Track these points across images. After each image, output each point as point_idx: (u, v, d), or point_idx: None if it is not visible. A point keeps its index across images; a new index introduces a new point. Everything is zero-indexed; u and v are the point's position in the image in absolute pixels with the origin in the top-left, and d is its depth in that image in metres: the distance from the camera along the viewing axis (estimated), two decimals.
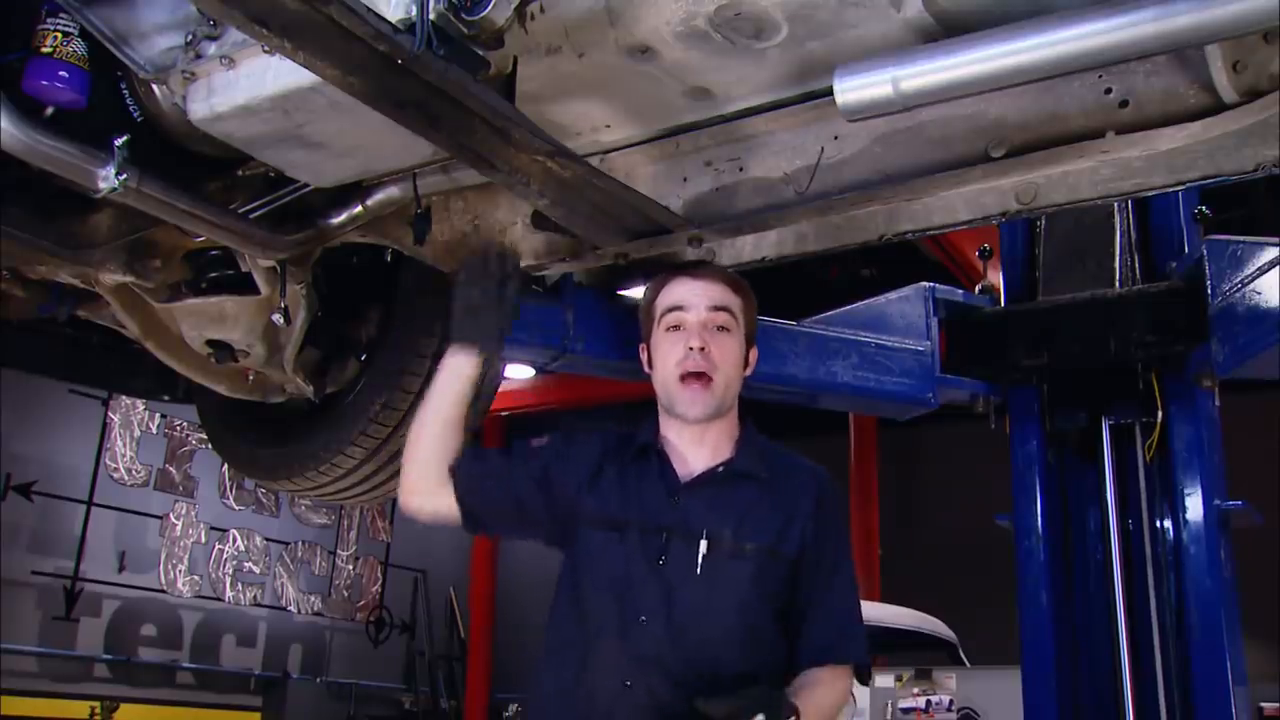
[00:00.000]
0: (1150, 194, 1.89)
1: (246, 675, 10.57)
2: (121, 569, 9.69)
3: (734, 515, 1.84)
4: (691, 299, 1.92)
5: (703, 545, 1.79)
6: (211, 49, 1.97)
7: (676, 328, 1.91)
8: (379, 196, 2.45)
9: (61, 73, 2.03)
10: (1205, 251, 2.76)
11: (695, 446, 1.91)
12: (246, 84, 1.95)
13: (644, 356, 2.01)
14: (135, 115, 2.28)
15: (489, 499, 1.97)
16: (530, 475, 1.95)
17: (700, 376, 1.87)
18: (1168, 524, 2.88)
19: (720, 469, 1.89)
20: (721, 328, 1.91)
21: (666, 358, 1.91)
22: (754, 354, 2.00)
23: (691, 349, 1.87)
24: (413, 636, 11.98)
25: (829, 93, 1.63)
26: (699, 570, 1.78)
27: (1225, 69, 1.65)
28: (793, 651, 1.84)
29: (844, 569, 1.91)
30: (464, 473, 1.96)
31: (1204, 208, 3.04)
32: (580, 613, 1.83)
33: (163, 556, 9.93)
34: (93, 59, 2.06)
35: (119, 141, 2.14)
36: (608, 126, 2.12)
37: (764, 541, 1.82)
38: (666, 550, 1.80)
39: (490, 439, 11.75)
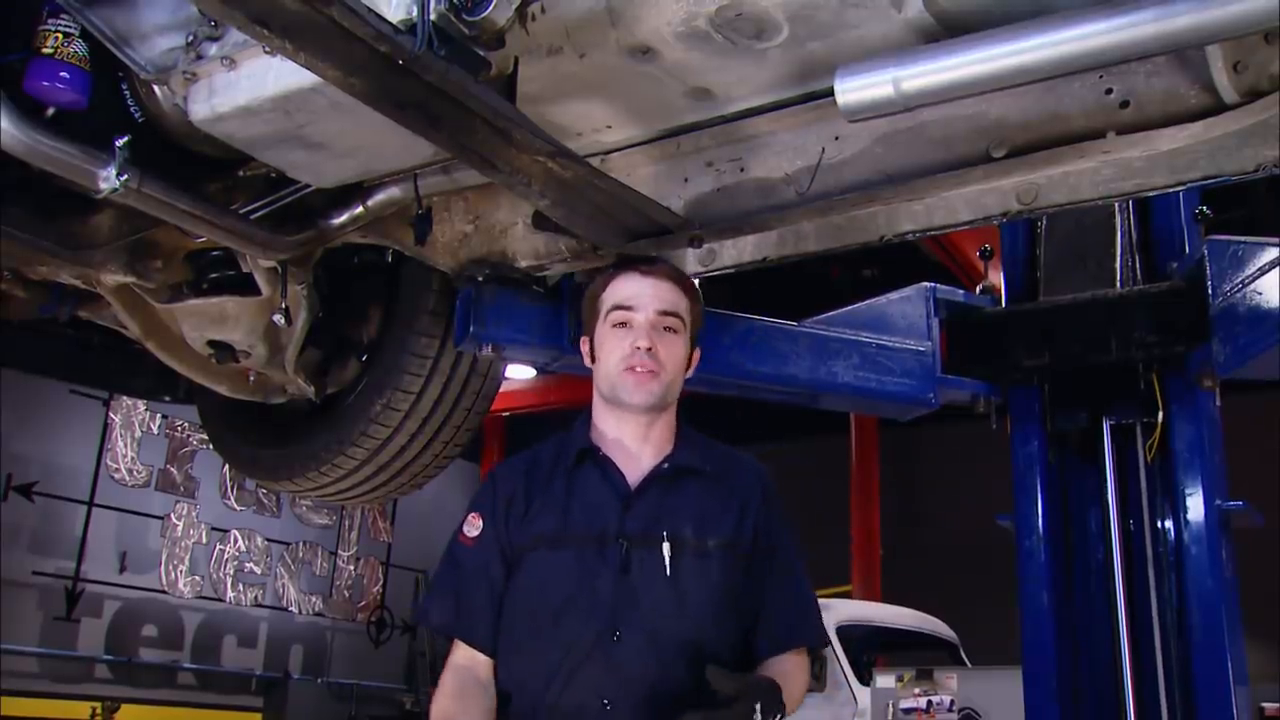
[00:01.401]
0: (1151, 194, 1.89)
1: (247, 676, 10.58)
2: (122, 569, 9.70)
3: (689, 514, 1.81)
4: (641, 299, 1.85)
5: (666, 548, 1.76)
6: (213, 50, 1.97)
7: (623, 324, 1.85)
8: (380, 197, 2.45)
9: (62, 73, 2.03)
10: (1206, 252, 2.76)
11: (639, 443, 1.87)
12: (248, 85, 1.95)
13: (585, 349, 1.94)
14: (136, 116, 2.29)
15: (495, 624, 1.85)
16: (497, 569, 1.84)
17: (647, 372, 1.83)
18: (1168, 524, 2.88)
19: (665, 465, 1.85)
20: (668, 329, 1.86)
21: (612, 353, 1.85)
22: (696, 355, 1.94)
23: (639, 348, 1.82)
24: (414, 637, 11.97)
25: (830, 93, 1.63)
26: (668, 573, 1.75)
27: (1226, 69, 1.65)
28: (754, 640, 1.82)
29: (796, 558, 1.90)
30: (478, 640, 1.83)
31: (1205, 208, 3.03)
32: (544, 638, 1.76)
33: (164, 557, 9.94)
34: (94, 59, 2.07)
35: (120, 142, 2.14)
36: (609, 127, 2.12)
37: (723, 537, 1.81)
38: (628, 560, 1.76)
39: (490, 438, 11.78)
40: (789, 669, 1.81)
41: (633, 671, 1.70)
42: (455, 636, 1.85)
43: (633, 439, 1.87)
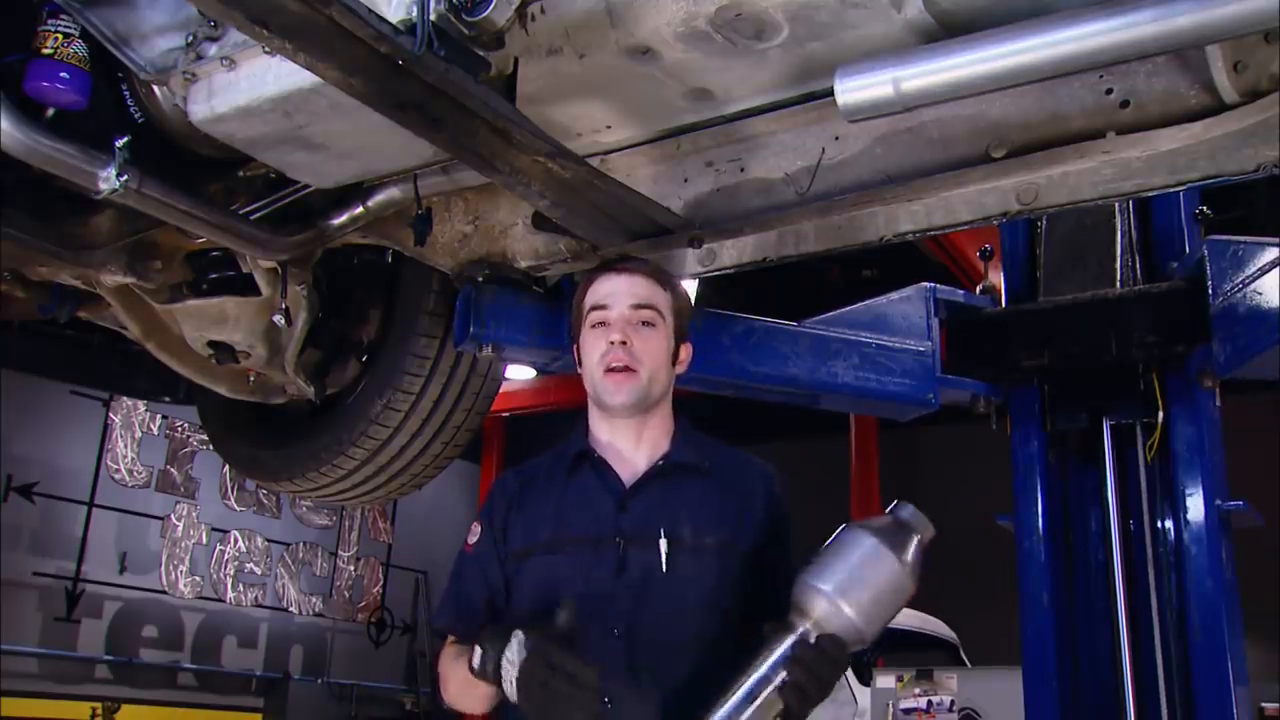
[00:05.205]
0: (1151, 194, 1.89)
1: (248, 676, 10.56)
2: (123, 570, 9.69)
3: (686, 511, 1.82)
4: (614, 296, 1.89)
5: (663, 545, 1.77)
6: (212, 50, 1.97)
7: (601, 324, 1.88)
8: (380, 197, 2.45)
9: (62, 74, 2.03)
10: (1206, 252, 2.76)
11: (634, 444, 1.88)
12: (247, 85, 1.95)
13: (575, 356, 1.97)
14: (136, 116, 2.28)
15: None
16: (494, 572, 1.88)
17: (624, 369, 1.84)
18: (1169, 524, 2.88)
19: (661, 463, 1.86)
20: (645, 323, 1.87)
21: (591, 354, 1.88)
22: (686, 350, 1.95)
23: (613, 343, 1.84)
24: (414, 637, 11.98)
25: (830, 93, 1.62)
26: (664, 571, 1.76)
27: (1226, 69, 1.65)
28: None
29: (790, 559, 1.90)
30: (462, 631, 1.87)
31: (1205, 208, 3.03)
32: None
33: (164, 558, 9.93)
34: (94, 60, 2.07)
35: (119, 142, 2.14)
36: (608, 127, 2.12)
37: (722, 536, 1.81)
38: (625, 559, 1.77)
39: (490, 439, 11.77)
40: None
41: (631, 668, 1.71)
42: (454, 636, 1.89)
43: (627, 440, 1.89)
